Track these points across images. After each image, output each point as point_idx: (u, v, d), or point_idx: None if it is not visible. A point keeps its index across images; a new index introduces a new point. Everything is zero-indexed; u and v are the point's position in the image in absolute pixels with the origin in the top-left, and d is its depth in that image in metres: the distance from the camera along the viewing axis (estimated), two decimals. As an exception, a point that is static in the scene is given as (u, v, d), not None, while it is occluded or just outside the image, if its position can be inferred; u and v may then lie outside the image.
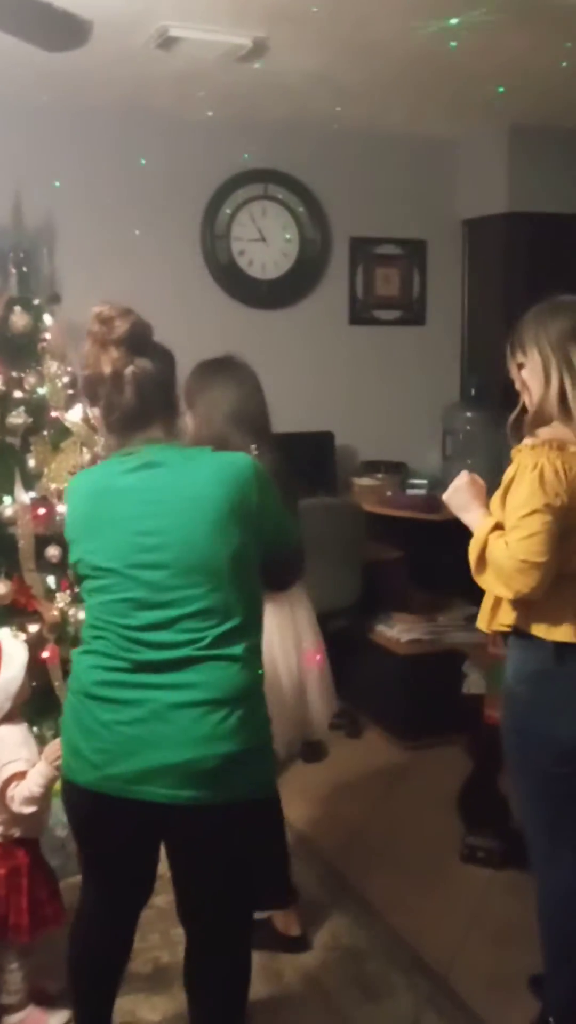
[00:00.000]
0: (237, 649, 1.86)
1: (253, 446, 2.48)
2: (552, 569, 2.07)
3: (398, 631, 4.28)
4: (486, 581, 2.16)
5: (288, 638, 2.81)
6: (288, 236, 4.65)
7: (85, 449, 3.60)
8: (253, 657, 1.91)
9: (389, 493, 4.50)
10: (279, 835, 2.76)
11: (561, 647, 2.14)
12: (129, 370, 1.87)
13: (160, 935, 2.76)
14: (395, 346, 4.92)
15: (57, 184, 4.25)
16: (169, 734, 1.82)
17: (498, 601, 2.23)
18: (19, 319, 3.55)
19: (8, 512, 3.46)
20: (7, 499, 3.48)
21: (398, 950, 2.76)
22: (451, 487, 2.29)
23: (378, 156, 4.70)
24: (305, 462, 4.59)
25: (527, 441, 2.16)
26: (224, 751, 1.83)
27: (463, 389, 4.89)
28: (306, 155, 4.60)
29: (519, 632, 2.21)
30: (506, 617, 2.21)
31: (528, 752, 2.23)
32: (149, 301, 4.36)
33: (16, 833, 2.41)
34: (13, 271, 3.72)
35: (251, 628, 1.91)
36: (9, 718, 2.48)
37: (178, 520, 1.84)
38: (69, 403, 3.66)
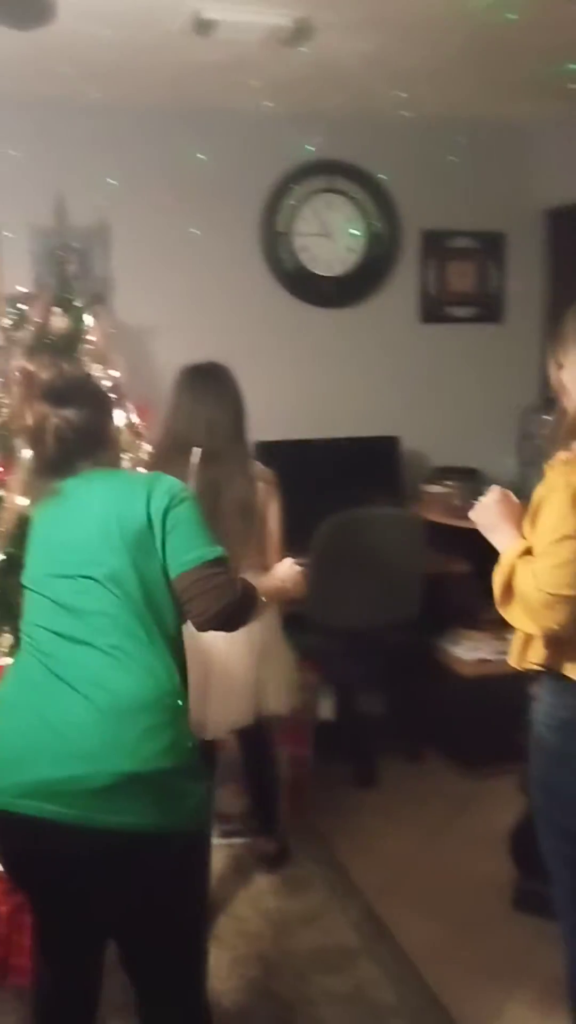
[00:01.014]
0: (140, 660, 1.81)
1: (197, 450, 2.62)
2: None
3: (463, 649, 4.02)
4: (512, 614, 1.90)
5: None
6: (354, 230, 4.42)
7: (124, 456, 3.46)
8: (162, 670, 1.83)
9: (457, 502, 4.22)
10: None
11: None
12: (51, 422, 1.94)
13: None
14: (470, 345, 4.64)
15: (112, 182, 4.13)
16: (57, 745, 1.74)
17: (530, 635, 1.97)
18: (58, 320, 3.44)
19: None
20: (42, 507, 3.37)
21: (429, 1011, 2.50)
22: (479, 504, 2.04)
23: (450, 143, 4.42)
24: (369, 468, 4.37)
25: (561, 455, 1.89)
26: (120, 769, 1.71)
27: (542, 391, 4.57)
28: (372, 144, 4.36)
29: (552, 672, 1.95)
30: (536, 654, 1.95)
31: (555, 812, 1.96)
32: (207, 301, 4.31)
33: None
34: (58, 271, 3.63)
35: (157, 641, 1.84)
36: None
37: (78, 537, 1.88)
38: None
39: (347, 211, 4.40)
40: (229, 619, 1.87)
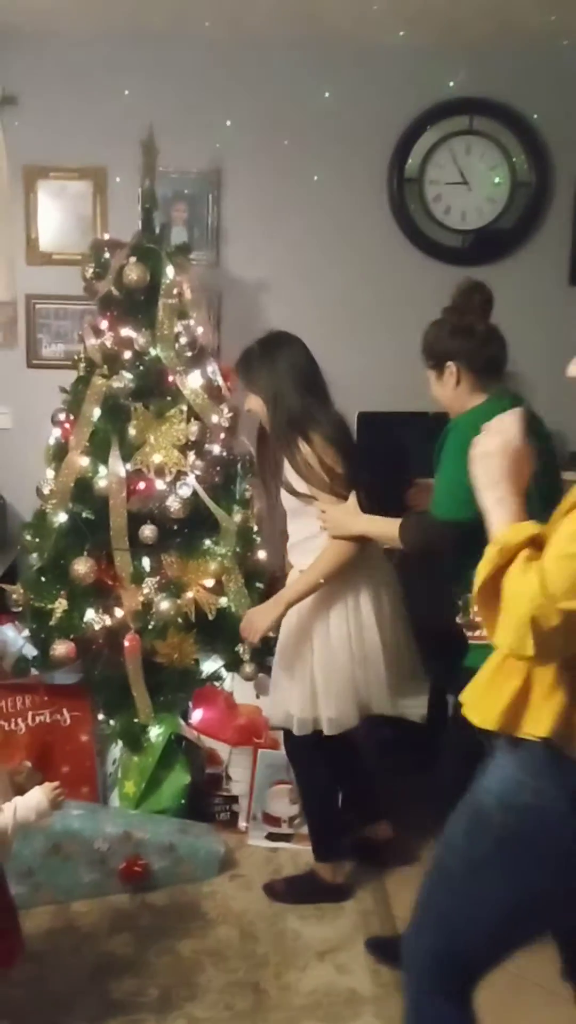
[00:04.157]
0: None
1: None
2: None
3: None
4: (492, 622, 1.44)
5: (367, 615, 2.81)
6: (497, 179, 3.91)
7: (194, 421, 3.21)
8: None
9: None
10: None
11: None
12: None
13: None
14: (628, 315, 4.03)
15: (228, 123, 3.84)
16: None
17: (526, 688, 1.52)
18: (133, 270, 3.20)
19: (102, 483, 3.17)
20: (102, 469, 3.19)
21: None
22: (483, 443, 1.54)
23: (616, 77, 3.82)
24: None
25: None
26: None
27: None
28: (522, 79, 3.82)
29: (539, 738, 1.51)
30: (540, 723, 1.50)
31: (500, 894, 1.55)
32: (324, 255, 3.95)
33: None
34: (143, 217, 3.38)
35: None
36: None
37: None
38: (188, 367, 3.29)
39: (490, 156, 3.90)
40: None
